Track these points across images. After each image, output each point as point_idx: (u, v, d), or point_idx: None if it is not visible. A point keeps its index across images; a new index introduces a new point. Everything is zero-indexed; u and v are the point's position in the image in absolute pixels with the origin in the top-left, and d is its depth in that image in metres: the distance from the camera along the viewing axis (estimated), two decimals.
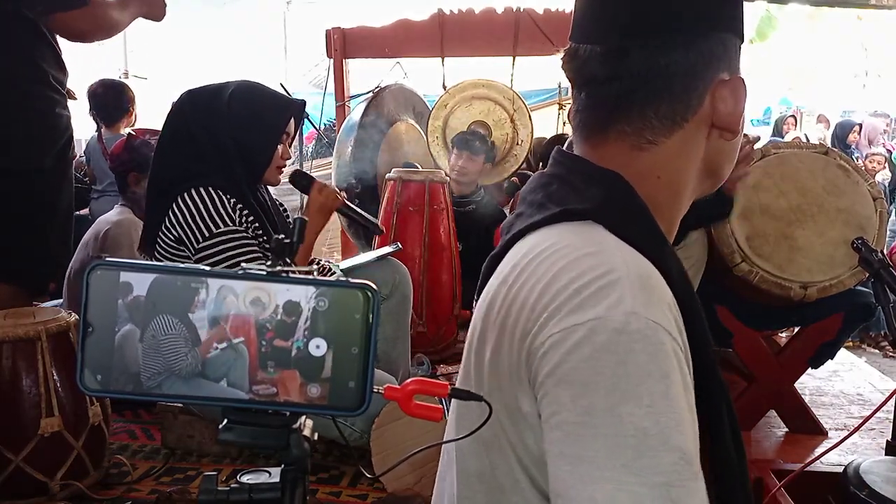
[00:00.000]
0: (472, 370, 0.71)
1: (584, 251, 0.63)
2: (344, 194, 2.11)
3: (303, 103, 2.10)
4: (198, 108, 1.91)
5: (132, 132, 2.78)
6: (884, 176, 5.74)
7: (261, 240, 1.89)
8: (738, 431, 0.71)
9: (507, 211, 3.77)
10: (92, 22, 2.05)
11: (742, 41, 0.74)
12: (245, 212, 1.86)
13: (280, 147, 1.96)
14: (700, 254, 1.93)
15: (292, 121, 2.01)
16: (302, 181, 2.06)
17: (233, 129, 1.88)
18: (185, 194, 1.82)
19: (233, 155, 1.87)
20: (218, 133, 1.88)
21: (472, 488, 0.70)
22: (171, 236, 1.84)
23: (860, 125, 6.38)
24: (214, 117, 1.88)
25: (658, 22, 0.70)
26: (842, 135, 6.34)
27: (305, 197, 2.10)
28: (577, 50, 0.73)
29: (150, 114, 4.32)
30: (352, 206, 2.17)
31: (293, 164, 4.01)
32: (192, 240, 1.81)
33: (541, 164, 4.13)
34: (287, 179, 2.10)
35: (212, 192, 1.82)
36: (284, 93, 2.32)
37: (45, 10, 1.97)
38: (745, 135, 1.78)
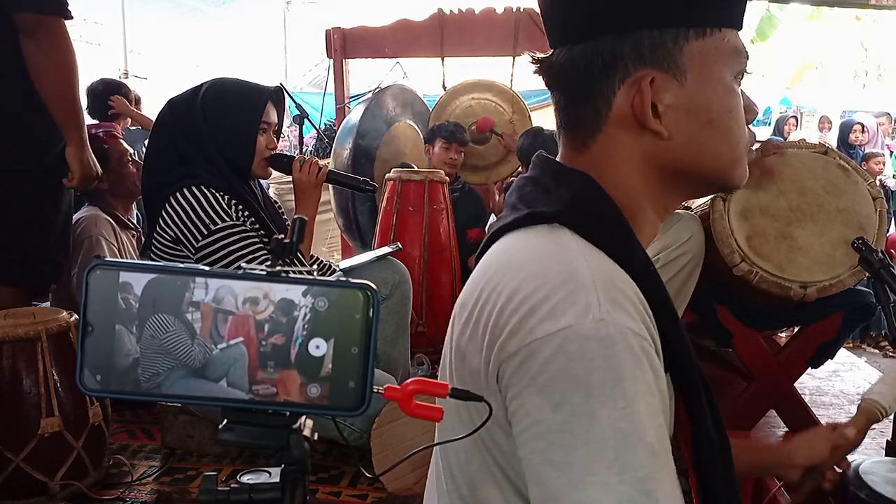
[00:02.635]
0: (447, 364, 0.73)
1: (548, 256, 0.64)
2: (328, 163, 2.07)
3: (278, 88, 2.04)
4: (177, 116, 1.91)
5: None
6: (885, 175, 5.74)
7: (259, 234, 1.88)
8: (719, 415, 0.71)
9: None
10: (57, 38, 1.93)
11: (697, 28, 0.68)
12: (240, 207, 1.85)
13: (262, 138, 1.93)
14: (697, 250, 1.93)
15: (273, 109, 1.97)
16: (282, 163, 2.02)
17: (211, 132, 1.87)
18: (178, 193, 1.81)
19: (217, 156, 1.87)
20: (199, 138, 1.87)
21: (455, 481, 0.72)
22: (167, 237, 1.84)
23: (861, 124, 6.36)
24: (192, 123, 1.88)
25: (569, 28, 0.71)
26: (843, 135, 6.33)
27: None
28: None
29: (150, 114, 4.32)
30: (339, 171, 2.13)
31: None
32: (192, 238, 1.80)
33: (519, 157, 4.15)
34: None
35: (204, 190, 1.81)
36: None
37: (18, 7, 1.89)
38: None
